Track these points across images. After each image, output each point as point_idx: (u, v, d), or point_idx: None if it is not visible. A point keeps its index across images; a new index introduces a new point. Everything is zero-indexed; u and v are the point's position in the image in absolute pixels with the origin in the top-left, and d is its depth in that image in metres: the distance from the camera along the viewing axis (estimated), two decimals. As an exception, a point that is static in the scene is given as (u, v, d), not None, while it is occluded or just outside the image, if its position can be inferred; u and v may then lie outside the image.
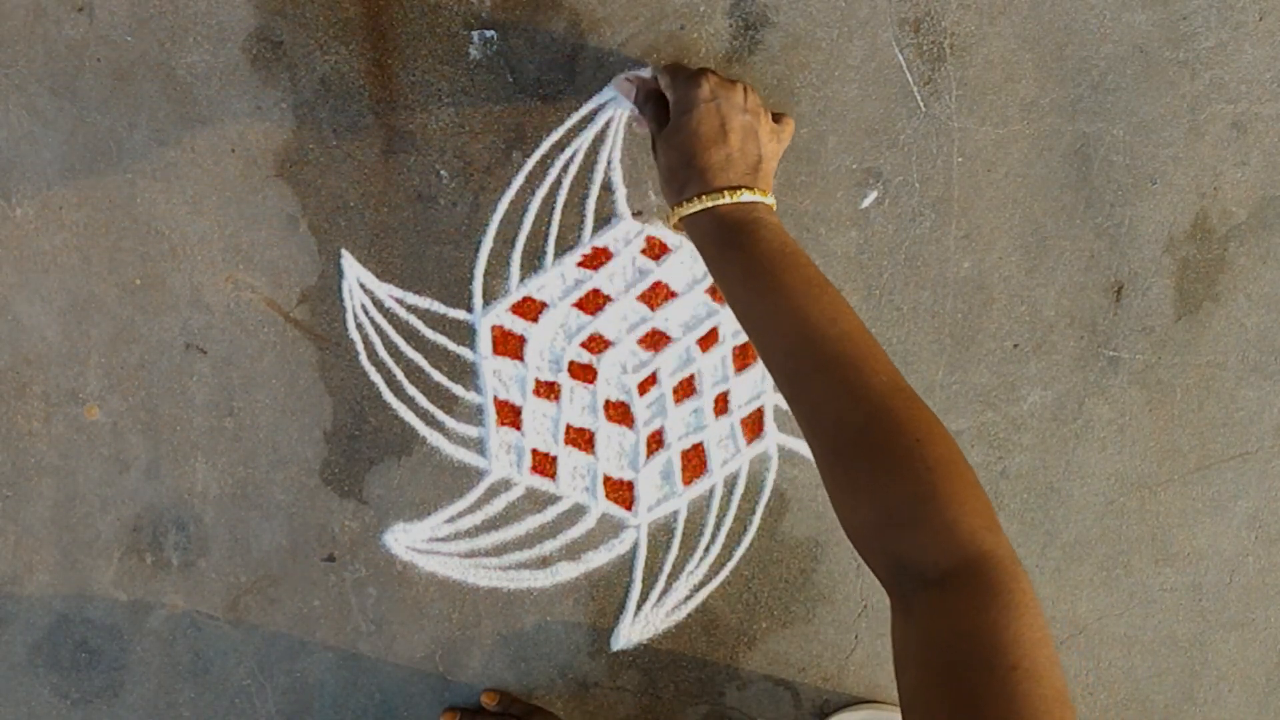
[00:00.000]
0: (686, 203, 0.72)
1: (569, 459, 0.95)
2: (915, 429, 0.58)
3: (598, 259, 0.93)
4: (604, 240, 0.92)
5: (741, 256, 0.68)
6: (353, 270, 0.92)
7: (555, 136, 0.91)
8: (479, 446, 0.95)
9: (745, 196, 0.71)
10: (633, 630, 0.98)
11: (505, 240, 0.92)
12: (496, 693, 0.97)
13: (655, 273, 0.93)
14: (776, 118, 0.82)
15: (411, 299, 0.93)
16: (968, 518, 0.55)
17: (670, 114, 0.76)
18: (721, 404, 0.95)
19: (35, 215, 0.91)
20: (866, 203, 0.92)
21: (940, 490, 0.56)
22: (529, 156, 0.91)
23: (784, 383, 0.64)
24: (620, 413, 0.95)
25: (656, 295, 0.93)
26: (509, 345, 0.94)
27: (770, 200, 0.73)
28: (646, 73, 0.80)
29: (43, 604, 0.96)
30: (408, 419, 0.94)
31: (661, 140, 0.76)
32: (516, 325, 0.94)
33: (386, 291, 0.93)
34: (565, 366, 0.94)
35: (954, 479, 0.57)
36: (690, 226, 0.73)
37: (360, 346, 0.93)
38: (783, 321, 0.64)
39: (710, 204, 0.71)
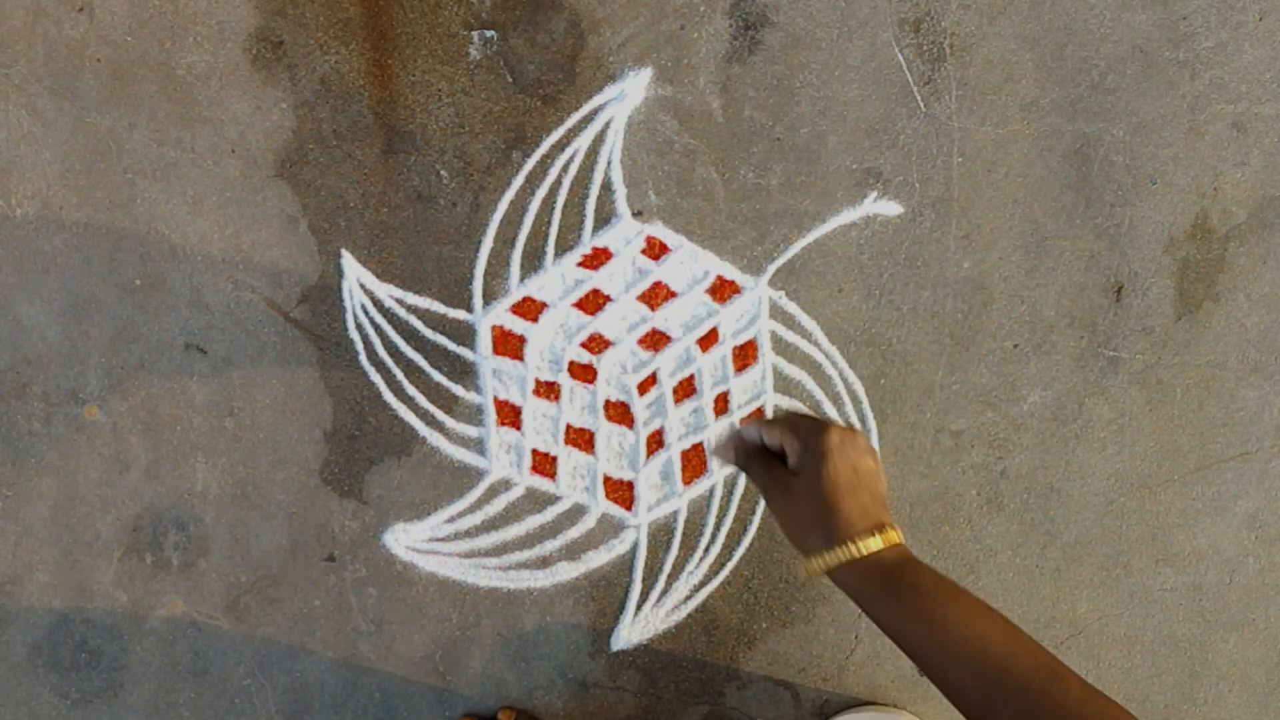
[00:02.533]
0: (835, 552, 0.75)
1: (569, 459, 0.95)
2: None
3: (598, 259, 0.93)
4: (604, 240, 0.92)
5: (907, 601, 0.72)
6: (353, 270, 0.92)
7: (555, 136, 0.91)
8: (479, 446, 0.95)
9: (894, 536, 0.75)
10: (633, 630, 0.98)
11: (505, 240, 0.92)
12: (513, 710, 0.97)
13: (655, 273, 0.93)
14: None
15: (411, 299, 0.93)
16: None
17: (794, 465, 0.78)
18: (721, 404, 0.95)
19: (35, 215, 0.91)
20: (869, 205, 0.92)
21: None
22: (529, 156, 0.91)
23: (975, 709, 0.68)
24: (620, 413, 0.95)
25: (656, 295, 0.93)
26: (509, 345, 0.94)
27: (901, 538, 0.77)
28: (750, 432, 0.81)
29: (43, 604, 0.97)
30: (408, 419, 0.94)
31: (785, 493, 0.78)
32: (516, 325, 0.94)
33: (386, 291, 0.93)
34: (565, 366, 0.94)
35: None
36: (843, 574, 0.75)
37: (360, 346, 0.93)
38: (963, 653, 0.68)
39: (866, 551, 0.74)
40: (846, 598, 0.96)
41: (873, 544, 0.73)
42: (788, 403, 0.95)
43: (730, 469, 0.82)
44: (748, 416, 0.82)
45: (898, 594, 0.72)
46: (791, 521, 0.78)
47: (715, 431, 0.95)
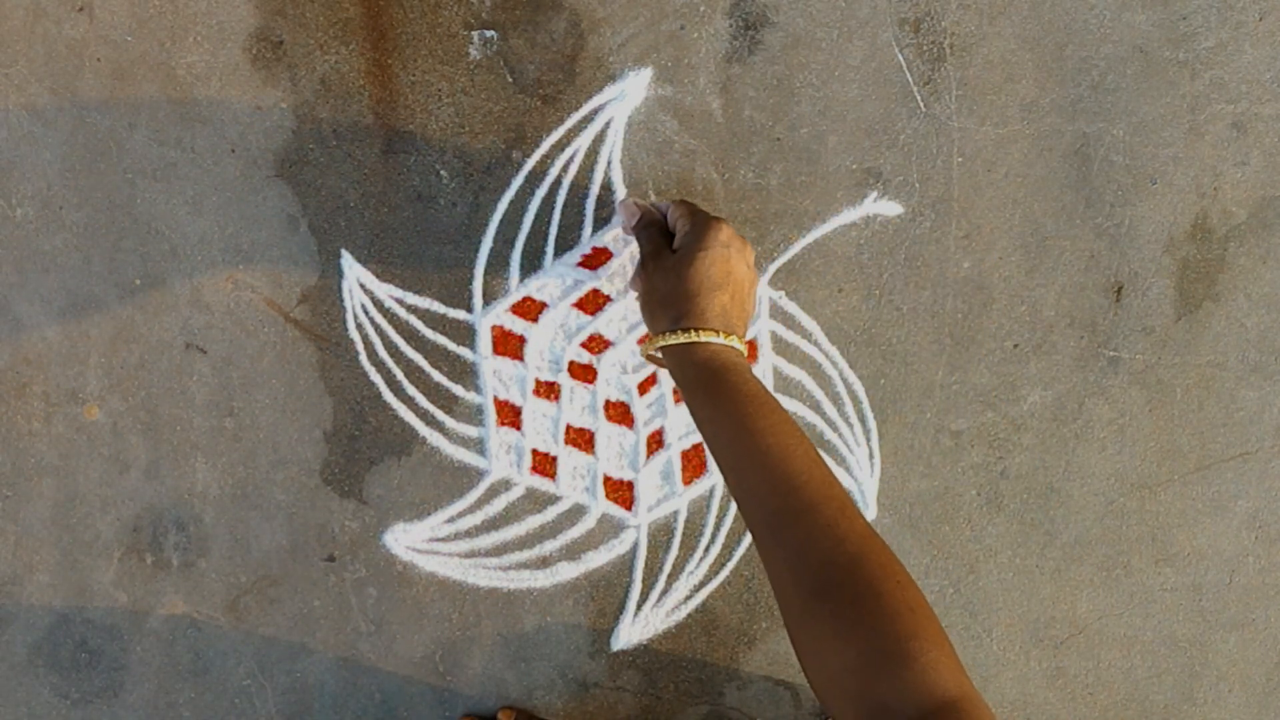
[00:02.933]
0: (676, 333, 0.76)
1: (569, 459, 0.95)
2: (896, 571, 0.61)
3: (598, 259, 0.93)
4: (604, 240, 0.92)
5: (727, 397, 0.72)
6: (353, 270, 0.92)
7: (555, 136, 0.91)
8: (479, 446, 0.95)
9: (736, 344, 0.75)
10: (633, 630, 0.98)
11: (505, 240, 0.92)
12: (514, 710, 0.97)
13: (655, 273, 0.93)
14: None
15: (411, 299, 0.93)
16: (947, 659, 0.57)
17: (677, 244, 0.79)
18: (721, 404, 0.95)
19: (35, 215, 0.91)
20: (869, 205, 0.92)
21: (924, 630, 0.58)
22: (529, 156, 0.91)
23: (765, 522, 0.67)
24: (620, 413, 0.95)
25: (656, 295, 0.93)
26: (509, 345, 0.94)
27: (745, 350, 0.77)
28: (661, 204, 0.83)
29: (43, 604, 0.97)
30: (408, 419, 0.94)
31: (658, 268, 0.79)
32: (516, 325, 0.94)
33: (386, 291, 0.93)
34: (565, 366, 0.94)
35: (933, 622, 0.59)
36: (673, 355, 0.77)
37: (360, 346, 0.93)
38: (767, 461, 0.68)
39: (704, 340, 0.75)
40: (638, 294, 0.95)
41: (711, 338, 0.74)
42: (788, 403, 0.95)
43: (625, 227, 0.84)
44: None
45: (719, 390, 0.72)
46: (652, 296, 0.79)
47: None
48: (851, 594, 0.60)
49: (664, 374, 0.94)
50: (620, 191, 0.91)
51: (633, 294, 0.93)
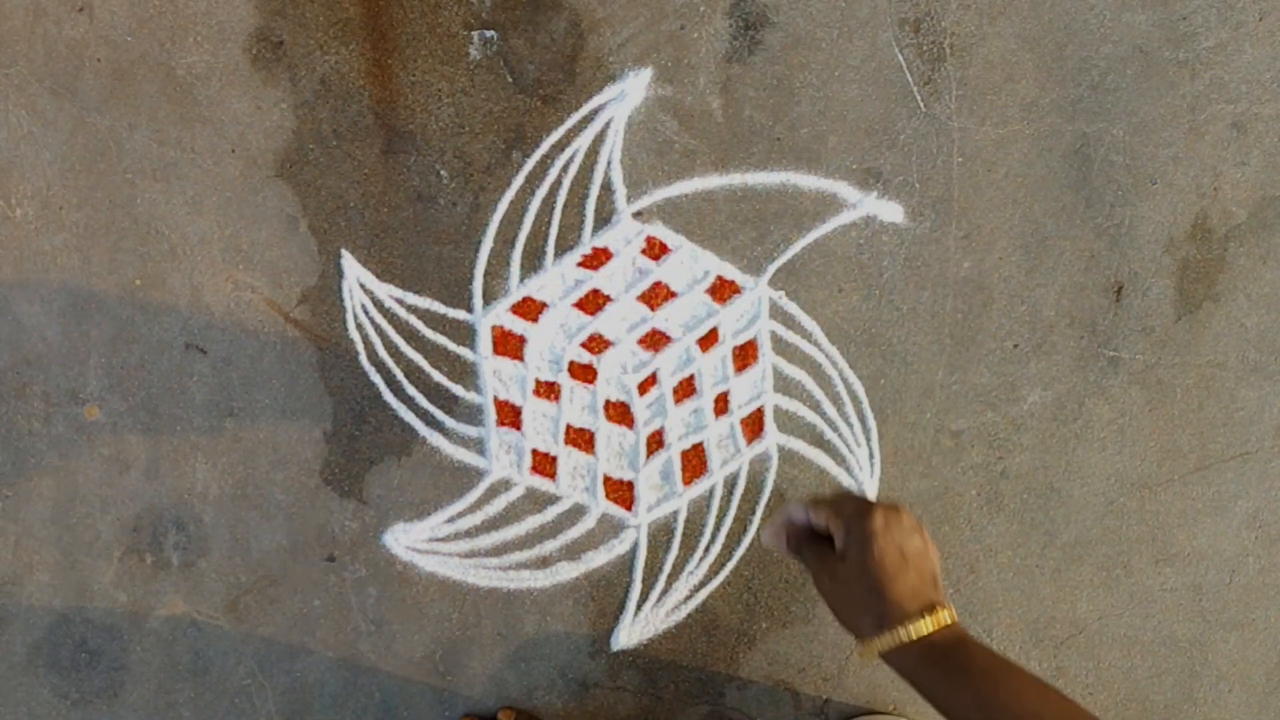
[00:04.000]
0: (887, 635, 0.75)
1: (569, 459, 0.95)
2: None
3: (598, 259, 0.93)
4: (604, 240, 0.92)
5: (965, 677, 0.72)
6: (353, 270, 0.92)
7: (555, 136, 0.91)
8: (479, 446, 0.95)
9: (945, 617, 0.75)
10: (633, 630, 0.98)
11: (505, 240, 0.92)
12: (514, 710, 0.97)
13: (655, 273, 0.93)
14: None
15: (411, 299, 0.93)
16: None
17: (841, 548, 0.78)
18: (721, 404, 0.95)
19: (35, 215, 0.91)
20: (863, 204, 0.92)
21: None
22: (529, 156, 0.91)
23: None
24: (620, 413, 0.95)
25: (656, 295, 0.93)
26: (509, 345, 0.94)
27: (953, 615, 0.77)
28: (797, 513, 0.81)
29: (43, 604, 0.97)
30: (408, 419, 0.94)
31: (835, 580, 0.78)
32: (516, 325, 0.94)
33: (386, 291, 0.93)
34: (565, 366, 0.94)
35: None
36: (896, 657, 0.76)
37: (360, 346, 0.93)
38: None
39: (916, 635, 0.74)
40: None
41: (923, 627, 0.73)
42: (788, 403, 0.95)
43: (778, 545, 0.83)
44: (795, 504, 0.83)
45: (950, 675, 0.72)
46: (841, 605, 0.78)
47: (716, 431, 0.95)
48: None
49: (664, 374, 0.94)
50: (620, 191, 0.92)
51: (633, 293, 0.93)
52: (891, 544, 0.76)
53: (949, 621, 0.74)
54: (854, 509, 0.77)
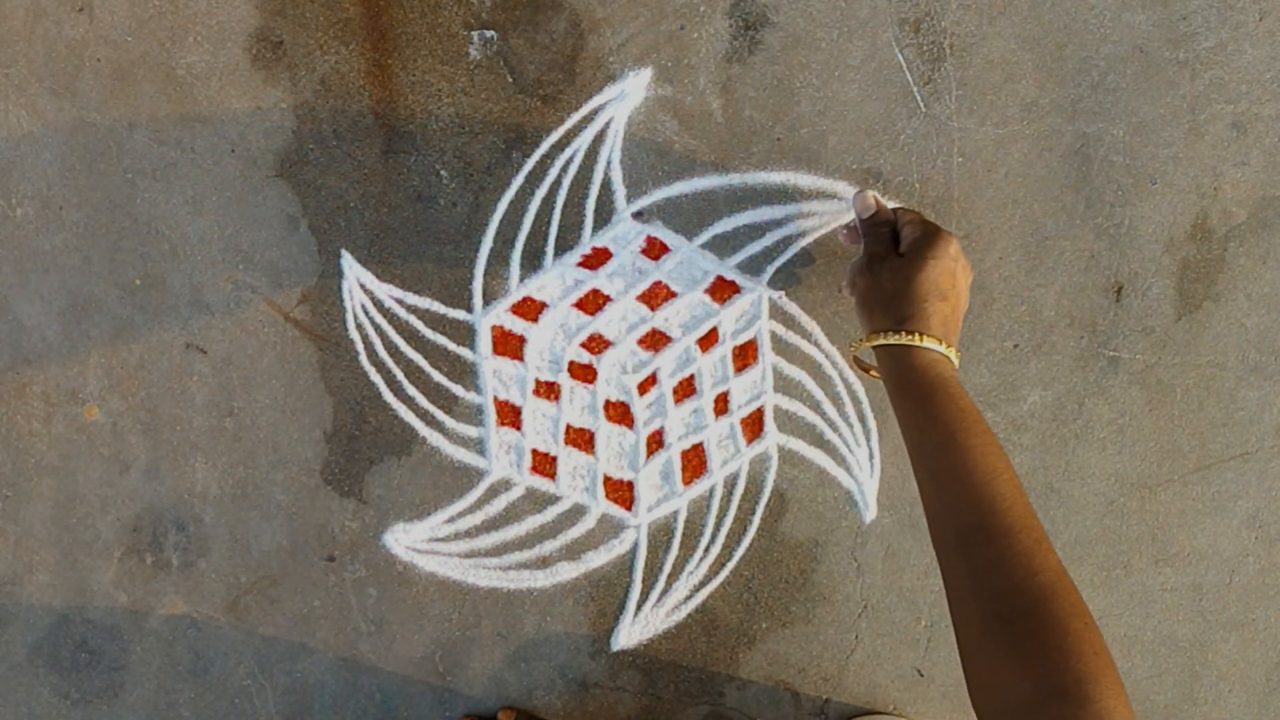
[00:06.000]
0: (900, 334, 0.76)
1: (569, 459, 0.95)
2: (1084, 613, 0.61)
3: (598, 259, 0.93)
4: (604, 240, 0.92)
5: (941, 409, 0.72)
6: (353, 270, 0.92)
7: (555, 136, 0.91)
8: (479, 446, 0.95)
9: (953, 356, 0.75)
10: (633, 630, 0.98)
11: (505, 240, 0.92)
12: (514, 710, 0.97)
13: (655, 273, 0.93)
14: None
15: (411, 299, 0.93)
16: (1123, 709, 0.56)
17: (905, 248, 0.79)
18: (721, 404, 0.95)
19: (35, 215, 0.91)
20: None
21: (1105, 676, 0.57)
22: (529, 156, 0.91)
23: (956, 537, 0.66)
24: (620, 413, 0.95)
25: (656, 295, 0.93)
26: (509, 345, 0.94)
27: (957, 363, 0.77)
28: (889, 208, 0.83)
29: (43, 604, 0.96)
30: (408, 419, 0.94)
31: (886, 266, 0.79)
32: (516, 325, 0.94)
33: (386, 291, 0.93)
34: (565, 366, 0.94)
35: (1113, 670, 0.58)
36: (890, 357, 0.76)
37: (360, 346, 0.93)
38: (972, 479, 0.67)
39: (926, 345, 0.74)
40: (847, 598, 0.97)
41: (934, 345, 0.74)
42: (788, 403, 0.95)
43: (848, 216, 0.84)
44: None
45: (934, 399, 0.72)
46: (875, 294, 0.79)
47: (716, 431, 0.95)
48: (1037, 625, 0.59)
49: (664, 374, 0.94)
50: (620, 191, 0.92)
51: (633, 293, 0.93)
52: (950, 272, 0.77)
53: (955, 359, 0.75)
54: (938, 228, 0.79)
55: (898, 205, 0.83)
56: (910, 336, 0.75)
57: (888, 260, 0.79)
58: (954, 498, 0.67)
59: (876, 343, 0.76)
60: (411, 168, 0.91)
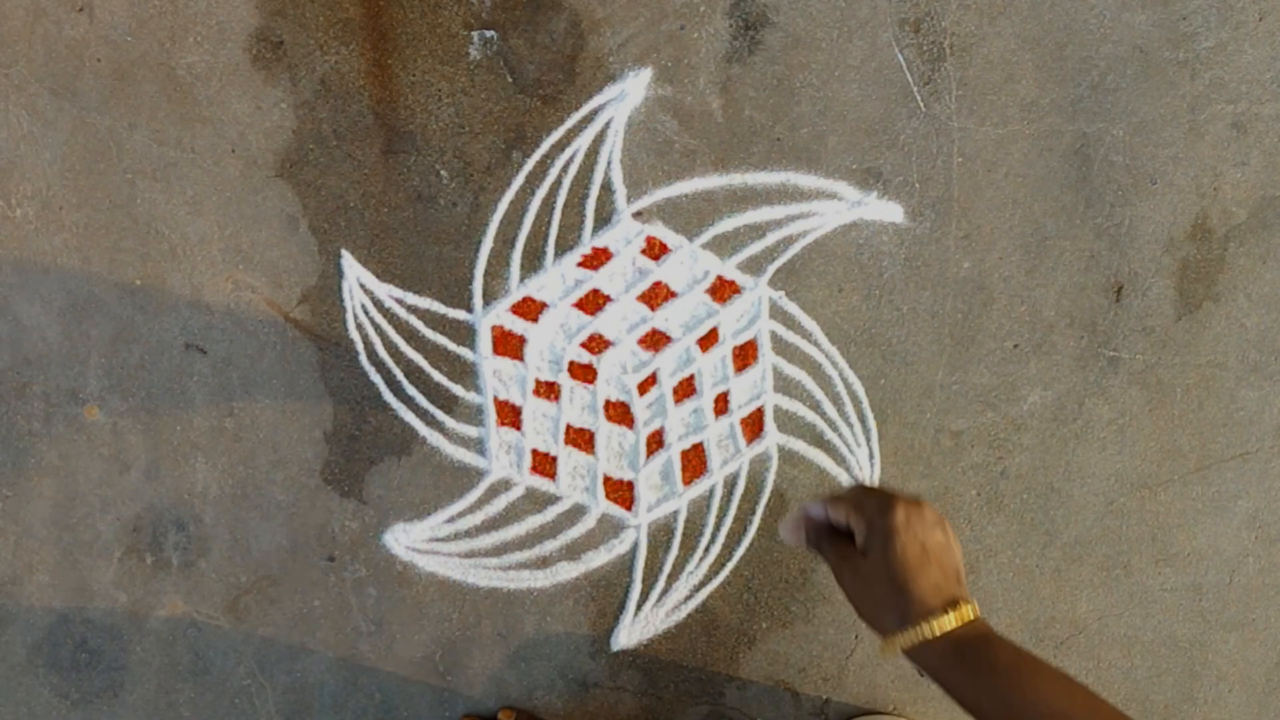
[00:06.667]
0: (910, 631, 0.74)
1: (569, 459, 0.95)
2: None
3: (598, 259, 0.93)
4: (604, 240, 0.92)
5: (990, 674, 0.71)
6: (353, 270, 0.92)
7: (555, 136, 0.91)
8: (479, 446, 0.95)
9: (968, 612, 0.74)
10: (633, 630, 0.98)
11: (505, 240, 0.92)
12: (514, 710, 0.97)
13: (655, 273, 0.93)
14: None
15: (411, 299, 0.93)
16: None
17: (862, 544, 0.78)
18: (721, 404, 0.95)
19: (35, 215, 0.91)
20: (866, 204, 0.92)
21: None
22: (529, 156, 0.91)
23: None
24: (620, 413, 0.95)
25: (656, 295, 0.93)
26: (509, 345, 0.94)
27: (976, 611, 0.76)
28: (815, 510, 0.81)
29: (43, 604, 0.96)
30: (408, 419, 0.94)
31: (856, 576, 0.77)
32: (516, 325, 0.94)
33: (386, 291, 0.93)
34: (565, 366, 0.94)
35: None
36: (919, 654, 0.75)
37: (360, 346, 0.93)
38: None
39: (940, 631, 0.74)
40: (847, 598, 0.96)
41: (946, 623, 0.73)
42: (788, 403, 0.95)
43: (795, 540, 0.83)
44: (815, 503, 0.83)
45: (974, 672, 0.71)
46: (863, 602, 0.77)
47: (716, 431, 0.95)
48: None
49: (664, 374, 0.94)
50: (620, 191, 0.92)
51: (633, 293, 0.93)
52: (914, 540, 0.75)
53: (972, 617, 0.73)
54: (875, 505, 0.76)
55: (825, 498, 0.80)
56: (916, 631, 0.73)
57: (854, 567, 0.77)
58: None
59: (898, 649, 0.76)
60: (411, 168, 0.91)
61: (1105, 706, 0.67)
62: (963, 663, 0.72)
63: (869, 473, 0.96)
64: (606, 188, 0.92)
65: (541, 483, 0.96)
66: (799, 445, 0.96)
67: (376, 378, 0.94)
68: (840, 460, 0.96)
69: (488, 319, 0.93)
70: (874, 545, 0.75)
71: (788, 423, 0.96)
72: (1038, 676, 0.69)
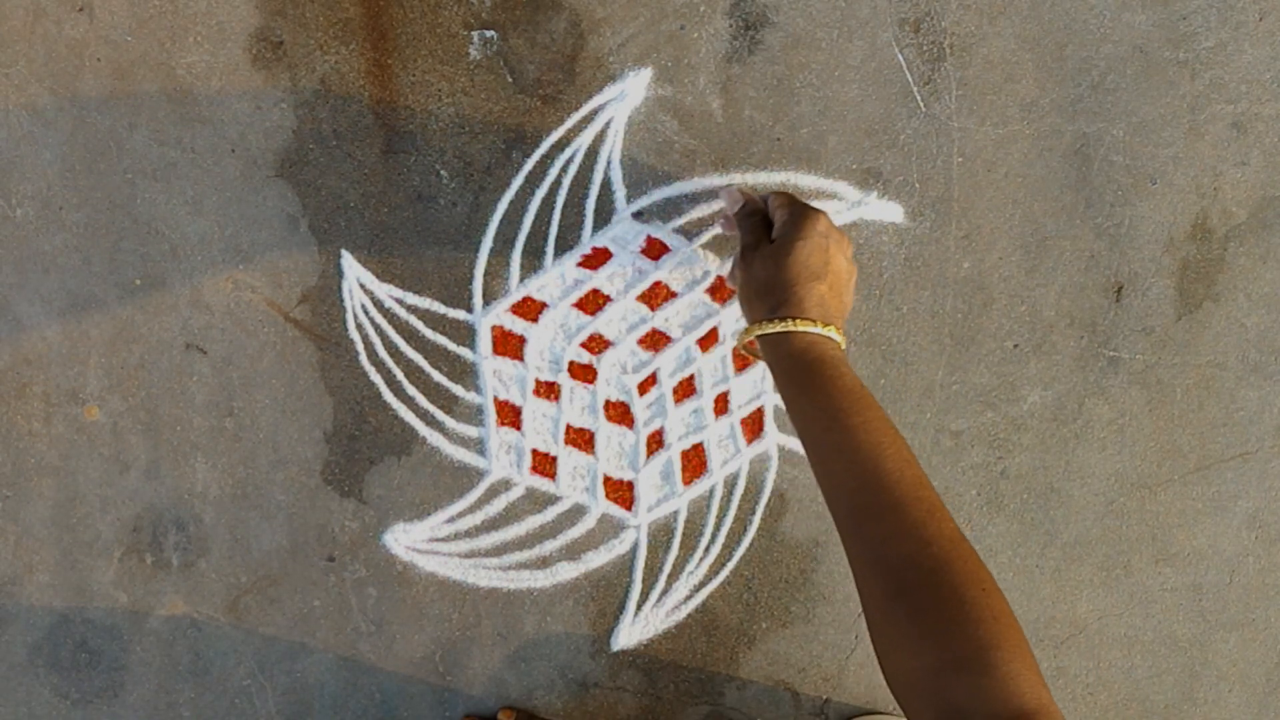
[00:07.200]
0: (774, 322, 0.75)
1: (569, 459, 0.95)
2: (982, 579, 0.60)
3: (598, 259, 0.93)
4: (604, 240, 0.92)
5: (822, 390, 0.71)
6: (353, 270, 0.92)
7: (555, 136, 0.91)
8: (479, 446, 0.95)
9: (834, 335, 0.74)
10: (633, 630, 0.98)
11: (505, 240, 0.92)
12: (514, 710, 0.97)
13: (655, 273, 0.93)
14: None
15: (411, 299, 0.93)
16: (1028, 671, 0.56)
17: (776, 233, 0.79)
18: (721, 404, 0.95)
19: (35, 215, 0.91)
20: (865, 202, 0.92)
21: (1006, 640, 0.57)
22: (529, 156, 0.91)
23: (849, 516, 0.66)
24: (620, 413, 0.95)
25: (656, 295, 0.93)
26: (509, 345, 0.94)
27: (843, 343, 0.76)
28: (761, 193, 0.84)
29: (43, 604, 0.97)
30: (408, 419, 0.94)
31: (757, 256, 0.78)
32: (516, 325, 0.94)
33: (386, 291, 0.93)
34: (565, 366, 0.94)
35: (1016, 632, 0.58)
36: (770, 345, 0.76)
37: (360, 346, 0.93)
38: (858, 457, 0.67)
39: (801, 329, 0.74)
40: (847, 598, 0.97)
41: (809, 327, 0.73)
42: (788, 403, 0.95)
43: (728, 213, 0.85)
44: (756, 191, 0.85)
45: (814, 381, 0.71)
46: (750, 284, 0.78)
47: (716, 431, 0.95)
48: (934, 597, 0.59)
49: (664, 374, 0.94)
50: (620, 191, 0.92)
51: (633, 293, 0.93)
52: (821, 249, 0.76)
53: (838, 339, 0.74)
54: (805, 207, 0.78)
55: (771, 192, 0.82)
56: (784, 323, 0.74)
57: (759, 249, 0.78)
58: (842, 477, 0.67)
59: (755, 334, 0.76)
60: (411, 168, 0.91)
61: (916, 465, 0.66)
62: (807, 369, 0.72)
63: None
64: (606, 188, 0.92)
65: (541, 483, 0.96)
66: (799, 445, 0.96)
67: (376, 378, 0.94)
68: (840, 460, 0.96)
69: (488, 319, 0.93)
70: (786, 236, 0.77)
71: (787, 423, 0.96)
72: (870, 410, 0.69)
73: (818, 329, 0.74)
